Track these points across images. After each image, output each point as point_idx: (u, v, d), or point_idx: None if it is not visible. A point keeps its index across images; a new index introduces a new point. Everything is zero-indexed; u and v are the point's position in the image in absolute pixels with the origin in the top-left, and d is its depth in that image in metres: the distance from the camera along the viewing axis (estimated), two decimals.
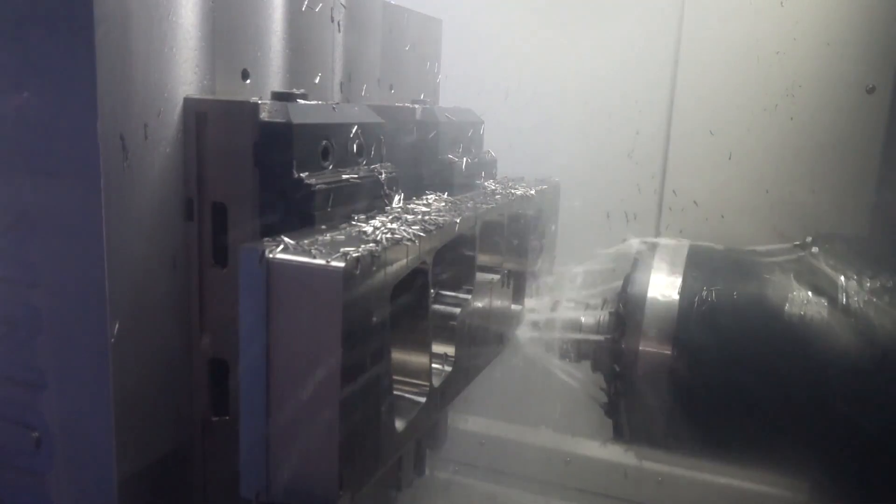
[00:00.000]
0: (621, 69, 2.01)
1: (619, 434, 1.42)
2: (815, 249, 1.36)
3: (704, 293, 1.31)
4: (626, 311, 1.35)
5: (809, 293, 1.27)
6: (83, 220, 0.80)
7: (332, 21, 1.20)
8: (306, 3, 1.11)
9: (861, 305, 1.21)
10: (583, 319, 1.48)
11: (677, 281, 1.34)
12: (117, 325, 0.81)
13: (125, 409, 0.85)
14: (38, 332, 0.86)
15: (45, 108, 0.80)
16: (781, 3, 1.85)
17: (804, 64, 1.86)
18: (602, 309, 1.48)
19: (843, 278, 1.26)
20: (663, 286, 1.34)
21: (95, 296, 0.81)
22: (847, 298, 1.22)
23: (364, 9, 1.33)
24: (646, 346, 1.32)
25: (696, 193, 1.97)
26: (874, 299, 1.21)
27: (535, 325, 1.53)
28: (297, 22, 1.10)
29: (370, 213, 1.07)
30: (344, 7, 1.22)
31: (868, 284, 1.23)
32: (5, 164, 0.83)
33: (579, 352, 1.47)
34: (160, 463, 0.92)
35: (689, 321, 1.30)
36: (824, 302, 1.25)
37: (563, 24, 2.05)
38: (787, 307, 1.26)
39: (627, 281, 1.40)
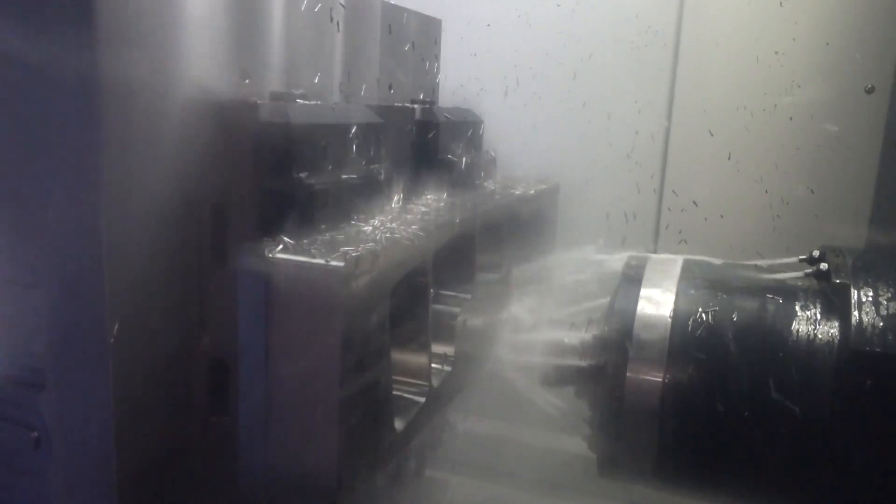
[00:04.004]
0: (620, 69, 2.01)
1: (604, 470, 1.28)
2: (823, 266, 1.23)
3: (700, 314, 1.19)
4: (612, 333, 1.22)
5: (818, 314, 1.16)
6: (83, 220, 0.80)
7: (332, 21, 1.20)
8: (306, 2, 1.11)
9: (878, 328, 1.09)
10: (565, 341, 1.33)
11: (670, 300, 1.22)
12: (117, 325, 0.81)
13: (124, 409, 0.85)
14: (38, 332, 0.86)
15: (47, 105, 0.80)
16: (781, 3, 1.86)
17: (804, 64, 1.86)
18: (586, 329, 1.33)
19: (855, 297, 1.13)
20: (654, 306, 1.22)
21: (95, 295, 0.81)
22: (862, 319, 1.10)
23: (363, 9, 1.32)
24: (633, 373, 1.18)
25: (696, 193, 1.97)
26: (892, 320, 1.09)
27: (513, 347, 1.40)
28: (296, 22, 1.10)
29: (369, 213, 1.07)
30: (343, 7, 1.22)
31: (885, 303, 1.11)
32: (5, 163, 0.83)
33: (562, 377, 1.33)
34: (160, 463, 0.92)
35: (682, 345, 1.18)
36: (836, 324, 1.13)
37: (561, 23, 2.05)
38: (793, 330, 1.15)
39: (614, 299, 1.27)
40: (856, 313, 1.10)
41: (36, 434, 0.89)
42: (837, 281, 1.16)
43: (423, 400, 1.15)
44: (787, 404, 1.12)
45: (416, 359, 1.17)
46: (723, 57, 1.92)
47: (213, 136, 0.92)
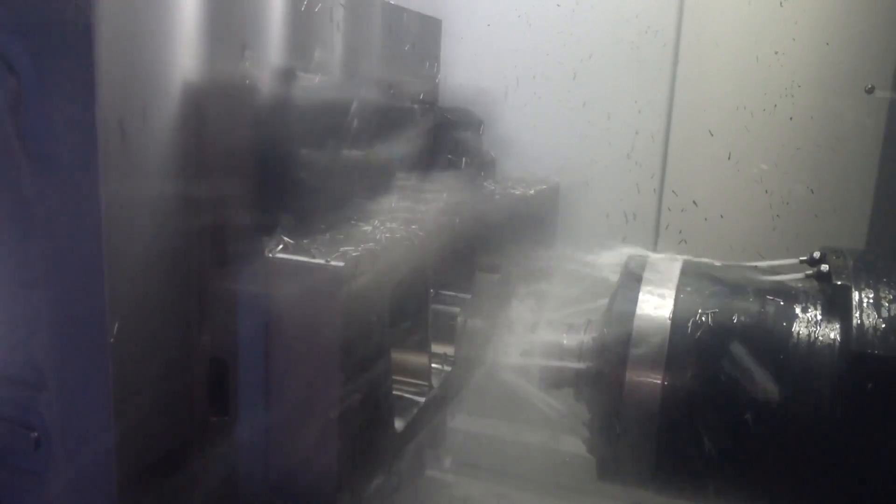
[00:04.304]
0: (620, 69, 2.01)
1: (603, 473, 1.26)
2: (824, 267, 1.21)
3: (699, 316, 1.17)
4: (611, 336, 1.21)
5: (819, 316, 1.13)
6: (82, 219, 0.80)
7: (331, 21, 1.20)
8: (305, 2, 1.11)
9: (879, 330, 1.06)
10: (564, 343, 1.32)
11: (669, 302, 1.20)
12: (117, 325, 0.81)
13: (125, 409, 0.84)
14: (38, 332, 0.86)
15: (42, 92, 0.79)
16: (781, 3, 1.86)
17: (803, 64, 1.86)
18: (585, 331, 1.32)
19: (856, 299, 1.10)
20: (653, 308, 1.20)
21: (95, 294, 0.80)
22: (863, 322, 1.07)
23: (363, 8, 1.32)
24: (632, 376, 1.17)
25: (696, 193, 1.97)
26: (894, 322, 1.06)
27: (512, 348, 1.39)
28: (300, 21, 1.10)
29: (369, 202, 1.07)
30: (343, 7, 1.22)
31: (886, 305, 1.08)
32: (4, 163, 0.83)
33: (560, 379, 1.31)
34: (160, 463, 0.92)
35: (681, 348, 1.16)
36: (837, 326, 1.11)
37: (561, 23, 2.05)
38: (794, 333, 1.13)
39: (613, 301, 1.26)
40: (857, 315, 1.08)
41: (36, 434, 0.89)
42: (838, 283, 1.14)
43: (422, 400, 1.15)
44: (788, 407, 1.10)
45: (415, 359, 1.17)
46: (723, 57, 1.92)
47: (215, 134, 0.91)
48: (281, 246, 0.86)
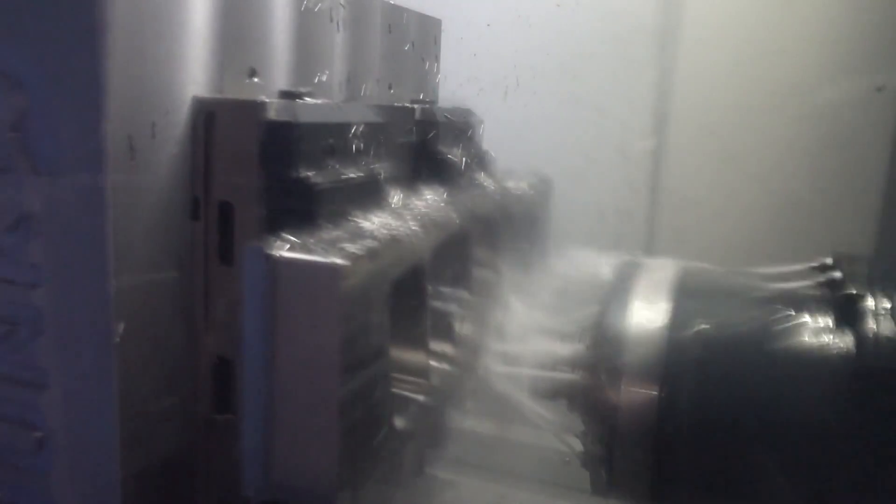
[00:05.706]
0: (620, 69, 2.02)
1: (597, 488, 1.20)
2: (836, 274, 1.13)
3: (698, 325, 1.11)
4: (603, 346, 1.15)
5: (830, 326, 1.06)
6: (89, 220, 0.80)
7: (332, 21, 1.20)
8: (306, 2, 1.11)
9: (895, 343, 1.00)
10: (556, 352, 1.26)
11: (665, 310, 1.14)
12: (122, 325, 0.81)
13: (129, 408, 0.85)
14: (41, 332, 0.86)
15: (51, 106, 0.80)
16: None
17: (812, 62, 1.85)
18: (577, 340, 1.25)
19: (872, 308, 1.03)
20: (648, 317, 1.14)
21: (100, 295, 0.81)
22: (878, 334, 1.00)
23: (363, 8, 1.33)
24: (627, 388, 1.11)
25: (696, 193, 1.97)
26: None
27: (502, 355, 1.33)
28: (301, 21, 1.10)
29: (371, 211, 1.07)
30: (343, 7, 1.23)
31: None
32: (8, 163, 0.83)
33: (552, 390, 1.25)
34: (164, 462, 0.92)
35: (679, 357, 1.09)
36: (849, 338, 1.03)
37: (561, 22, 2.05)
38: (801, 344, 1.06)
39: (606, 308, 1.20)
40: (872, 326, 1.01)
41: (38, 434, 0.89)
42: (853, 291, 1.07)
43: (422, 398, 1.15)
44: (793, 423, 1.04)
45: (415, 356, 1.17)
46: (725, 54, 1.92)
47: (221, 135, 0.92)
48: (283, 244, 0.86)
